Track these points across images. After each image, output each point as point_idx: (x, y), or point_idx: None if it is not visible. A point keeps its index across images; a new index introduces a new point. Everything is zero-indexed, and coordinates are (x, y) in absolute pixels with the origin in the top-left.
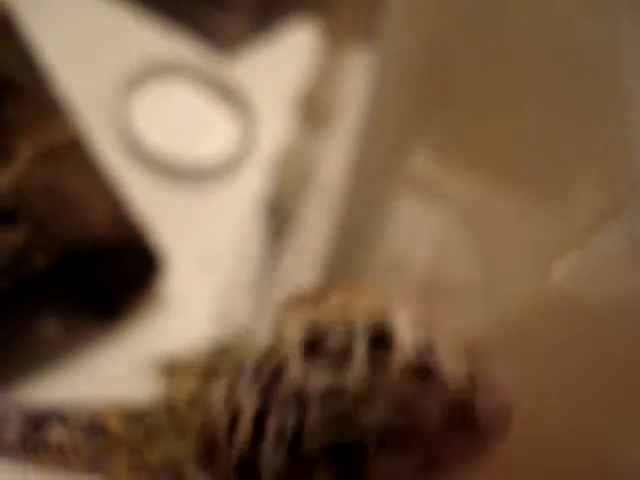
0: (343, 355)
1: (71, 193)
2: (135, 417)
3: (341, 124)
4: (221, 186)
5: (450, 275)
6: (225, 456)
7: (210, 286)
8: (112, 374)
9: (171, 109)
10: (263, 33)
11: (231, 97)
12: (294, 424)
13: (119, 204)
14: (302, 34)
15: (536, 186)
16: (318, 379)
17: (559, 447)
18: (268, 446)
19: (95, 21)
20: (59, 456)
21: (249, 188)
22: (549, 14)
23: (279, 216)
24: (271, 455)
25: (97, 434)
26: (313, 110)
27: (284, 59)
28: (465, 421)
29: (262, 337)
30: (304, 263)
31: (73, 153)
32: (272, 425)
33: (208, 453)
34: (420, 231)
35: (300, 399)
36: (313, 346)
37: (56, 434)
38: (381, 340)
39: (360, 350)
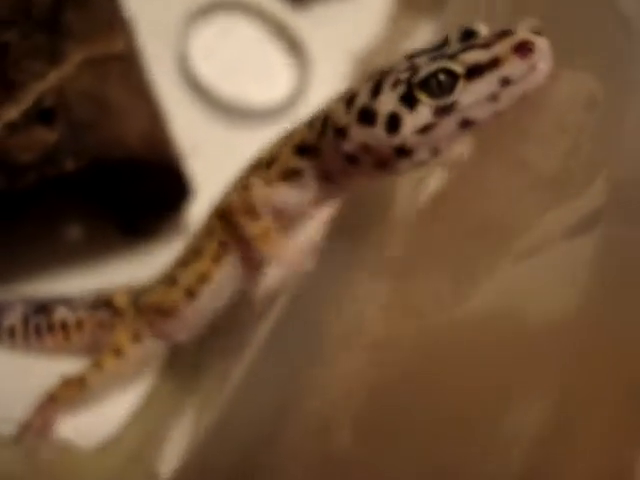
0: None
1: (112, 104)
2: (139, 291)
3: None
4: (266, 128)
5: None
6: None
7: None
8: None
9: (231, 45)
10: None
11: (293, 45)
12: (408, 73)
13: (159, 126)
14: None
15: None
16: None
17: None
18: (386, 92)
19: None
20: (61, 335)
21: None
22: None
23: None
24: (387, 97)
25: (101, 309)
26: (372, 68)
27: (352, 17)
28: (527, 50)
29: None
30: None
31: (122, 67)
32: (390, 79)
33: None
34: None
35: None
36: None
37: (60, 314)
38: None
39: (455, 35)
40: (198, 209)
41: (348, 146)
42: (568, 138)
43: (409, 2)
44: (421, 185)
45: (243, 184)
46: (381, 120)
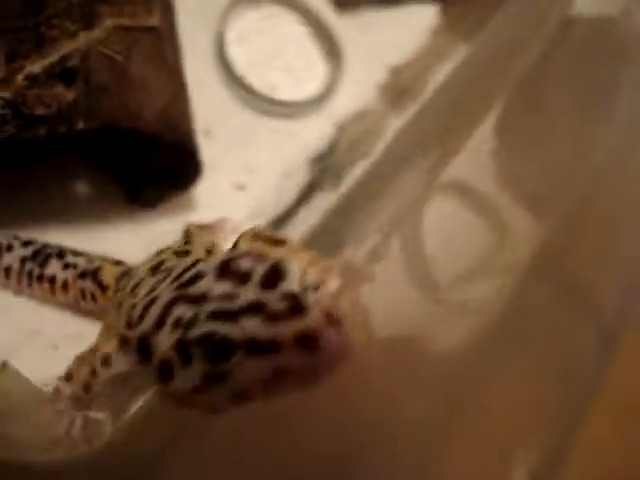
0: (247, 277)
1: (134, 75)
2: (125, 272)
3: (420, 102)
4: (289, 121)
5: None
6: (133, 336)
7: (238, 205)
8: (120, 252)
9: (268, 36)
10: (387, 2)
11: (329, 45)
12: (191, 315)
13: (178, 104)
14: (420, 12)
15: None
16: (220, 287)
17: None
18: (166, 329)
19: None
20: (48, 288)
21: (313, 133)
22: None
23: (330, 167)
24: (165, 336)
25: (87, 279)
26: (403, 81)
27: (393, 28)
28: (310, 345)
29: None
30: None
31: (152, 41)
32: (175, 313)
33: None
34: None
35: (202, 299)
36: (227, 267)
37: (51, 268)
38: (278, 274)
39: (259, 274)
40: (205, 189)
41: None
42: None
43: (452, 23)
44: None
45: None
46: (155, 362)
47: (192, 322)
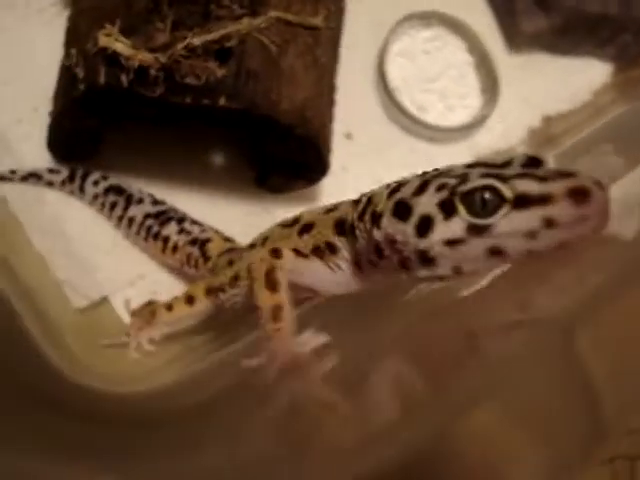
0: (507, 164)
1: (284, 67)
2: (232, 249)
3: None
4: (431, 144)
5: None
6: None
7: None
8: (233, 229)
9: (430, 57)
10: (560, 49)
11: (489, 78)
12: (459, 179)
13: (319, 103)
14: (592, 68)
15: None
16: (481, 170)
17: None
18: (430, 192)
19: None
20: (160, 247)
21: (450, 160)
22: None
23: None
24: (429, 197)
25: (196, 246)
26: (553, 130)
27: (559, 76)
28: (582, 198)
29: None
30: None
31: (310, 39)
32: (439, 181)
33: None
34: None
35: (466, 175)
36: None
37: (168, 230)
38: (537, 161)
39: (519, 161)
40: (331, 188)
41: (377, 234)
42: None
43: (620, 85)
44: None
45: (273, 247)
46: (414, 219)
47: (463, 180)
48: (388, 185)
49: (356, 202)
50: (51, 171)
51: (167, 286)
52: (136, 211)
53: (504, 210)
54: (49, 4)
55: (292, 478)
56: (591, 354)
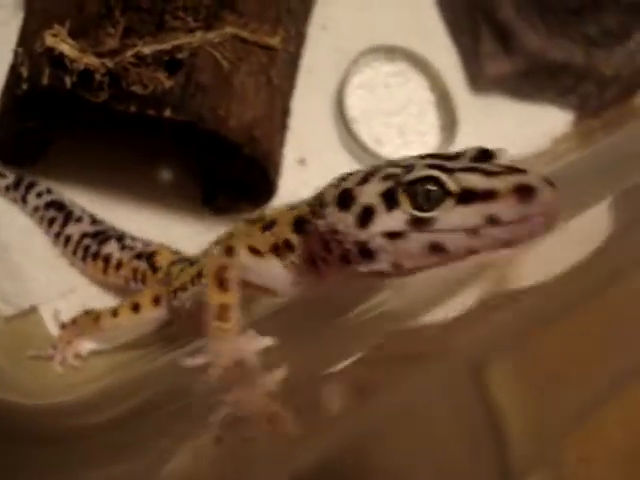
0: (458, 156)
1: (234, 84)
2: (181, 260)
3: None
4: None
5: None
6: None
7: None
8: (178, 247)
9: (390, 90)
10: (522, 94)
11: (449, 117)
12: (406, 167)
13: (269, 125)
14: (553, 115)
15: None
16: (432, 160)
17: None
18: (374, 181)
19: None
20: (101, 266)
21: None
22: None
23: None
24: (372, 186)
25: (142, 260)
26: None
27: (520, 121)
28: (527, 195)
29: None
30: None
31: (265, 59)
32: (385, 171)
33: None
34: None
35: (412, 166)
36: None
37: (109, 248)
38: (489, 154)
39: (470, 153)
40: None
41: (322, 225)
42: None
43: (579, 134)
44: None
45: (228, 245)
46: (356, 209)
47: (409, 170)
48: (338, 177)
49: (310, 200)
50: None
51: (97, 301)
52: (74, 229)
53: (448, 204)
54: (6, 4)
55: None
56: (500, 390)
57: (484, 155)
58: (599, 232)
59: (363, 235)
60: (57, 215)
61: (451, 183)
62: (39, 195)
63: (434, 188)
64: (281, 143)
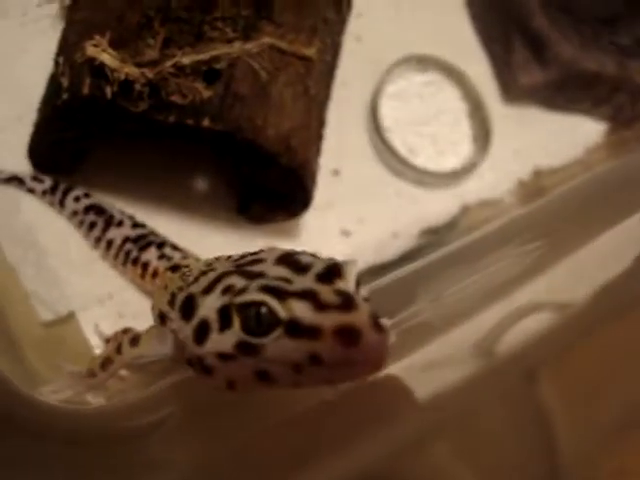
0: (306, 268)
1: (272, 95)
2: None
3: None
4: (416, 187)
5: None
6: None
7: (336, 249)
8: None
9: (424, 102)
10: (555, 105)
11: (482, 127)
12: (244, 285)
13: (305, 135)
14: (586, 126)
15: None
16: (277, 271)
17: None
18: (215, 294)
19: None
20: (139, 272)
21: (435, 206)
22: None
23: (440, 243)
24: (212, 300)
25: (176, 272)
26: (543, 184)
27: (553, 132)
28: (351, 339)
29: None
30: None
31: (302, 70)
32: (228, 281)
33: None
34: None
35: (258, 276)
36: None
37: (148, 254)
38: (337, 272)
39: (319, 268)
40: (312, 223)
41: (170, 324)
42: None
43: (612, 145)
44: None
45: (133, 336)
46: (194, 322)
47: (243, 290)
48: (199, 265)
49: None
50: (34, 178)
51: (132, 307)
52: (115, 234)
53: (277, 332)
54: (45, 14)
55: None
56: (554, 402)
57: (330, 273)
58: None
59: (199, 351)
60: (97, 219)
61: (281, 311)
62: (77, 199)
63: (266, 312)
64: (317, 153)
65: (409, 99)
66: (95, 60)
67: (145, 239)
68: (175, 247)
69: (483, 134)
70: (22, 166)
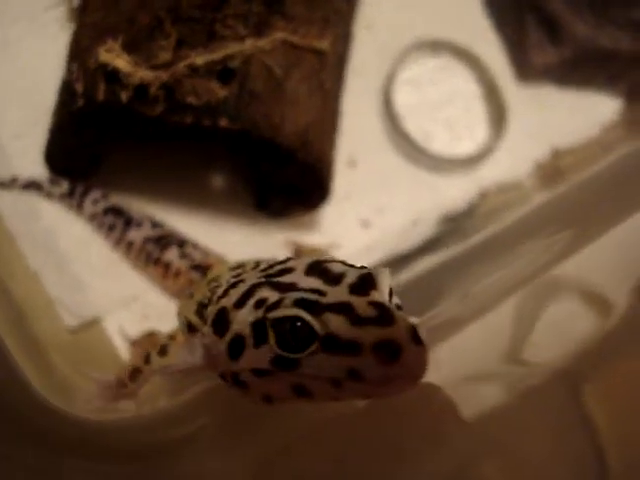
0: (338, 279)
1: (287, 90)
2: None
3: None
4: (433, 174)
5: None
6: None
7: (356, 240)
8: (232, 251)
9: (437, 87)
10: (570, 83)
11: (497, 110)
12: (277, 299)
13: (321, 126)
14: (602, 103)
15: None
16: (309, 282)
17: None
18: (247, 308)
19: None
20: (161, 272)
21: (454, 192)
22: None
23: (461, 229)
24: (245, 314)
25: (198, 271)
26: (562, 164)
27: (569, 111)
28: (391, 355)
29: None
30: None
31: (315, 63)
32: (260, 295)
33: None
34: None
35: (290, 287)
36: (318, 266)
37: (170, 254)
38: (371, 283)
39: (352, 279)
40: (331, 215)
41: (201, 338)
42: None
43: (630, 122)
44: None
45: (162, 344)
46: (228, 337)
47: (277, 304)
48: (234, 270)
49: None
50: (52, 182)
51: (157, 309)
52: (135, 235)
53: (314, 347)
54: (53, 18)
55: None
56: (598, 409)
57: (364, 283)
58: None
59: (234, 367)
60: (116, 221)
61: (317, 325)
62: (95, 202)
63: (301, 327)
64: (333, 146)
65: (422, 85)
66: (109, 65)
67: (165, 239)
68: (195, 246)
69: (498, 117)
70: (39, 172)
